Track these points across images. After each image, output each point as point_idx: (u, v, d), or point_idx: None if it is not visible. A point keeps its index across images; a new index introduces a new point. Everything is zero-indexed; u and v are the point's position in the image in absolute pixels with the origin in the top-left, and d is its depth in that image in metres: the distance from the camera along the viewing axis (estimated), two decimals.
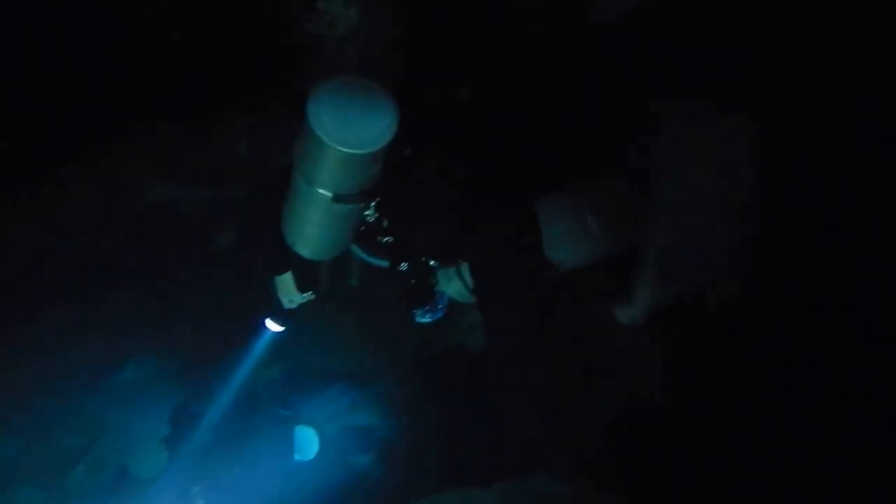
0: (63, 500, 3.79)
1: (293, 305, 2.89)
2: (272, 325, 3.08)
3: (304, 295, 2.84)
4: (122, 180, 3.97)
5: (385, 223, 2.47)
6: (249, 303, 3.39)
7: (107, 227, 3.96)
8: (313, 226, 2.39)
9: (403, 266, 2.58)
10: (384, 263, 2.62)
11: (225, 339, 3.80)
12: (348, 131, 2.03)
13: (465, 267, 2.65)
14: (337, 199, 2.22)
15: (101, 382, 3.95)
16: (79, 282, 3.82)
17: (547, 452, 3.91)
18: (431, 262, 2.65)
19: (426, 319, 2.76)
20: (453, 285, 2.71)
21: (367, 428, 4.33)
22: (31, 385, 3.83)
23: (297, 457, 3.96)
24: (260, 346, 3.57)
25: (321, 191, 2.20)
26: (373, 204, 2.37)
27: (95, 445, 3.97)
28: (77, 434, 3.94)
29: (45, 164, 3.79)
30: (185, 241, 4.05)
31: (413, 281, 2.61)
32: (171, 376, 4.04)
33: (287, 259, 2.68)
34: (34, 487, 3.76)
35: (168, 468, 3.76)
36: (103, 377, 3.94)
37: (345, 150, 2.04)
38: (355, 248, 2.66)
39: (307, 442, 3.99)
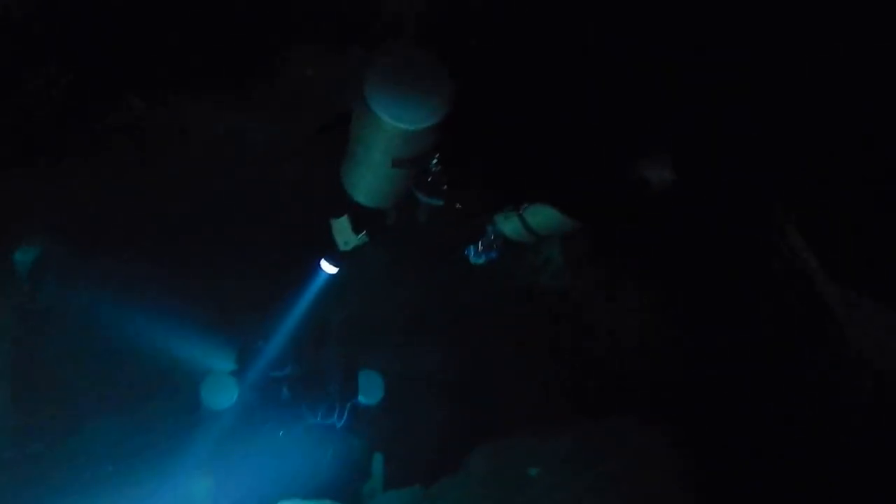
0: (138, 429, 3.90)
1: (348, 248, 2.94)
2: (327, 267, 3.17)
3: (360, 237, 2.88)
4: (189, 112, 3.93)
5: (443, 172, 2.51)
6: (310, 240, 3.30)
7: (174, 160, 3.96)
8: (371, 182, 2.45)
9: (458, 206, 2.61)
10: (440, 202, 2.61)
11: (286, 277, 3.76)
12: (404, 108, 2.08)
13: (531, 210, 2.62)
14: (395, 164, 2.27)
15: (174, 320, 4.00)
16: (139, 217, 3.85)
17: (629, 390, 3.80)
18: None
19: (480, 260, 2.83)
20: (510, 224, 2.70)
21: (429, 372, 4.28)
22: (108, 320, 3.93)
23: (362, 400, 3.94)
24: (317, 287, 3.57)
25: (379, 156, 2.25)
26: (434, 158, 2.41)
27: (170, 378, 4.06)
28: (153, 367, 4.03)
29: (111, 98, 3.78)
30: (249, 175, 4.00)
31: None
32: (236, 313, 4.06)
33: (344, 203, 2.70)
34: (112, 418, 3.88)
35: (236, 402, 3.78)
36: (175, 315, 3.99)
37: (402, 126, 2.09)
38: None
39: (372, 386, 3.95)
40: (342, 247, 2.95)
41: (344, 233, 2.88)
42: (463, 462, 4.11)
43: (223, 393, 3.73)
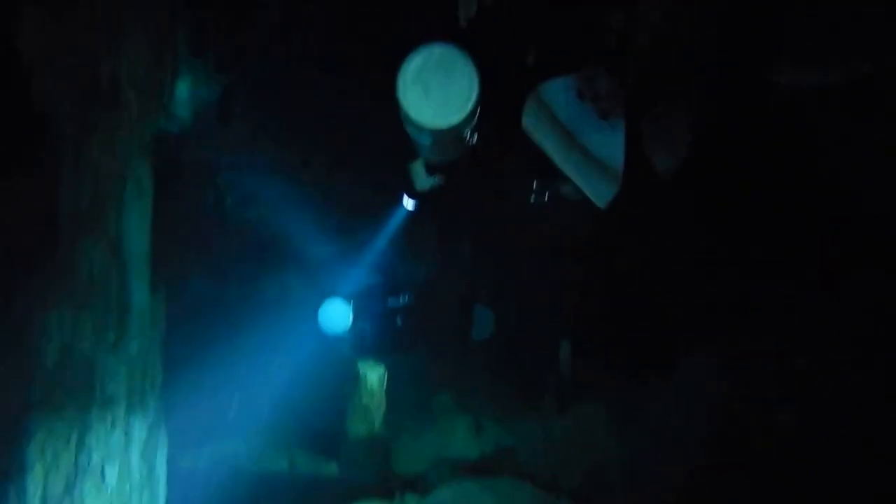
0: None
1: (424, 188, 3.26)
2: (407, 202, 3.51)
3: (432, 179, 3.19)
4: None
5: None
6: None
7: None
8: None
9: None
10: None
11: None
12: (432, 107, 2.19)
13: None
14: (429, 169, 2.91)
15: None
16: None
17: None
18: None
19: None
20: None
21: None
22: None
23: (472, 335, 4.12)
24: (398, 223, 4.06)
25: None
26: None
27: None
28: None
29: None
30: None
31: None
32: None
33: (416, 151, 2.96)
34: None
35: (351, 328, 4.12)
36: None
37: (430, 126, 2.22)
38: None
39: (483, 322, 4.12)
40: (418, 187, 3.25)
41: (418, 175, 3.18)
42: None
43: (339, 318, 3.99)
